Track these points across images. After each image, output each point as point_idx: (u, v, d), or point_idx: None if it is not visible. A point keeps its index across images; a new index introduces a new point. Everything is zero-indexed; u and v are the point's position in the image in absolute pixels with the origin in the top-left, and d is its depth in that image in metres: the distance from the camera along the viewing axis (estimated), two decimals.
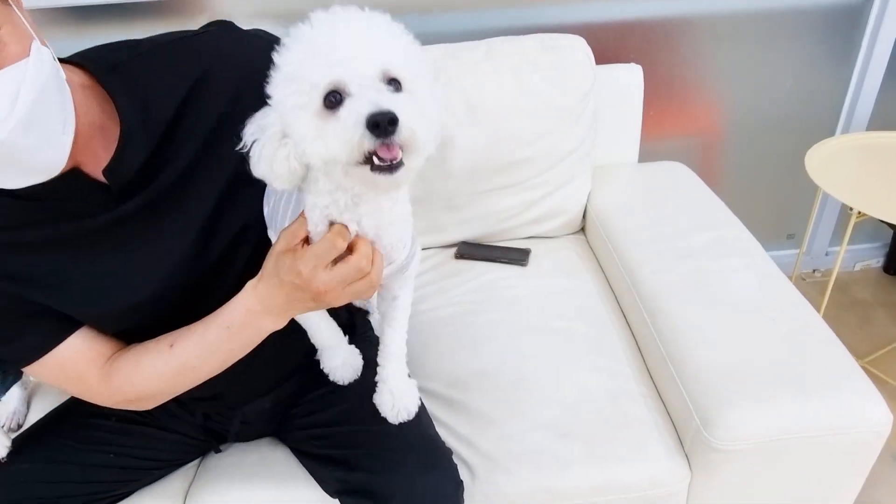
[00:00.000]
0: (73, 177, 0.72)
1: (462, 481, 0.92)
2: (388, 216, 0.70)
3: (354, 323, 1.09)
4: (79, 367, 0.81)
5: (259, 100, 0.63)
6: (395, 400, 0.85)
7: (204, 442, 1.08)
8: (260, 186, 0.80)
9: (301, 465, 1.04)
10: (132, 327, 0.83)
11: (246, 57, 0.79)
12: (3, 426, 0.97)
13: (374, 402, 0.85)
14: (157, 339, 0.82)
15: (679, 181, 1.55)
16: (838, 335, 1.06)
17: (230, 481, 1.05)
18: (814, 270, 2.12)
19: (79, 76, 0.72)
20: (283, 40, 0.60)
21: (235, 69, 0.78)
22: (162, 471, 1.05)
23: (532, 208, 1.47)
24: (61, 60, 0.71)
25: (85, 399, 0.85)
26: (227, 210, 0.80)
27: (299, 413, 1.05)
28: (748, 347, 1.05)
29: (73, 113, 0.67)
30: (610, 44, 1.62)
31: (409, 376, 0.88)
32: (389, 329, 0.86)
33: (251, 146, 0.63)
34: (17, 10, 0.63)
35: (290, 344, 0.91)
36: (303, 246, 0.69)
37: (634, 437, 1.04)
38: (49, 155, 0.66)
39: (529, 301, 1.31)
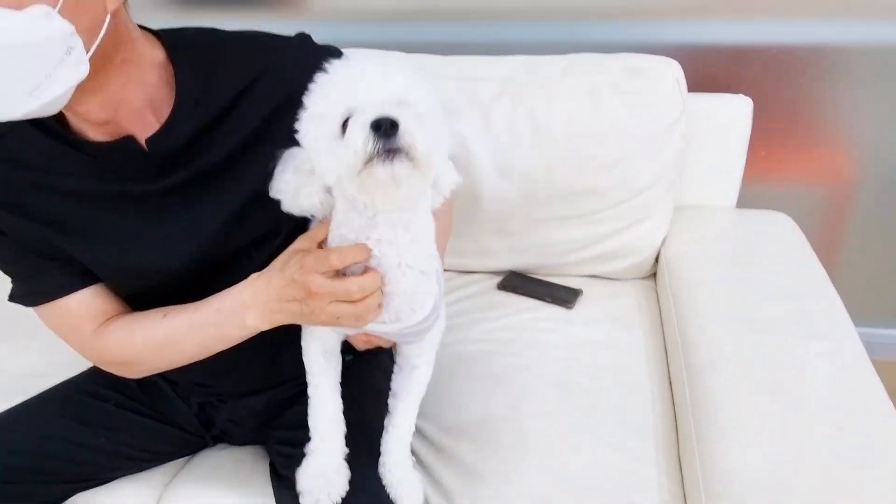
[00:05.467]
0: (126, 143, 0.76)
1: None
2: (407, 249, 0.73)
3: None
4: (79, 320, 0.85)
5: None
6: (393, 492, 0.84)
7: (196, 437, 1.07)
8: None
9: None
10: (140, 293, 0.87)
11: (302, 69, 0.78)
12: None
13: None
14: (154, 309, 0.85)
15: (777, 235, 1.34)
16: None
17: (206, 484, 1.03)
18: None
19: (156, 51, 0.77)
20: (310, 86, 0.68)
21: (289, 76, 0.79)
22: (150, 462, 1.05)
23: (595, 245, 1.33)
24: (150, 31, 0.78)
25: (75, 350, 0.90)
26: (256, 208, 0.82)
27: (278, 425, 1.01)
28: (795, 458, 0.85)
29: (64, 88, 0.66)
30: (721, 71, 1.43)
31: (415, 466, 0.87)
32: (402, 404, 0.87)
33: (277, 178, 0.71)
34: None
35: (290, 348, 0.92)
36: None
37: None
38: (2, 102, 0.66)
39: (563, 350, 1.17)
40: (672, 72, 1.24)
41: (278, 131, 0.79)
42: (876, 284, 1.60)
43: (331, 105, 0.66)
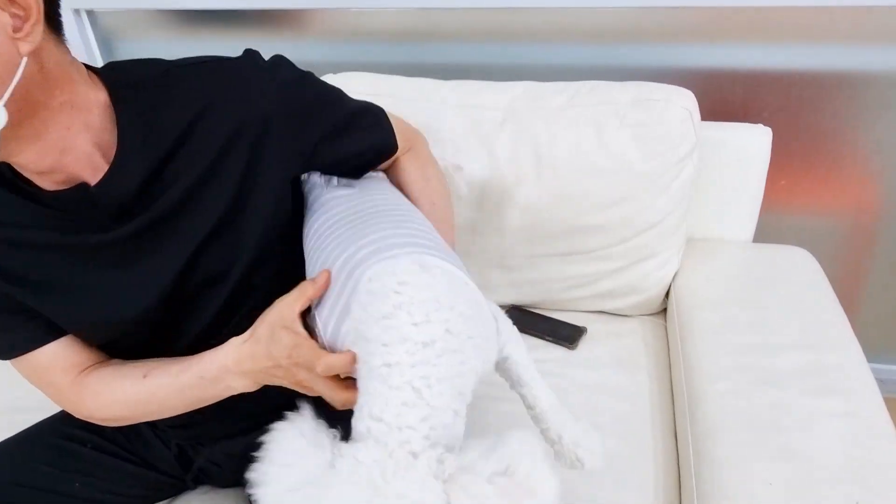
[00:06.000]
0: (79, 191, 0.72)
1: None
2: None
3: None
4: (53, 374, 0.82)
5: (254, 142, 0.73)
6: (577, 449, 0.75)
7: (175, 480, 1.03)
8: (247, 230, 0.79)
9: None
10: (112, 341, 0.83)
11: (248, 90, 0.77)
12: None
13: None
14: (132, 364, 0.82)
15: (796, 274, 1.26)
16: None
17: None
18: None
19: (100, 93, 0.72)
20: None
21: (237, 103, 0.76)
22: None
23: (598, 282, 1.27)
24: (94, 70, 0.72)
25: (55, 403, 0.86)
26: (212, 245, 0.78)
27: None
28: None
29: None
30: (738, 98, 1.36)
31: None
32: (524, 389, 0.77)
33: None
34: None
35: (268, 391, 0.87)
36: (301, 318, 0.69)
37: None
38: None
39: (562, 396, 1.11)
40: (684, 103, 1.17)
41: (232, 163, 0.76)
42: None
43: None
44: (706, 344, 1.11)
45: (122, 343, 0.82)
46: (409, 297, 0.60)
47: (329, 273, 0.70)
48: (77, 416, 0.86)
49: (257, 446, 0.97)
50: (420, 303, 0.60)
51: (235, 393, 0.78)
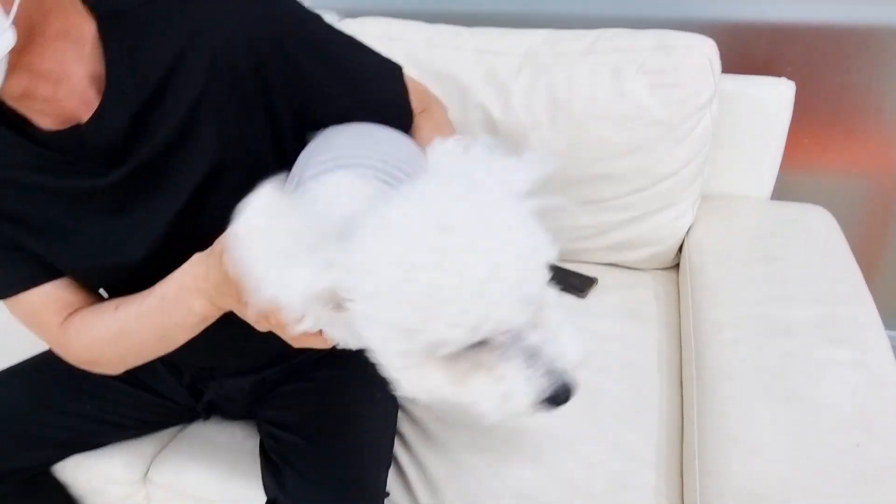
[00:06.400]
0: (74, 132, 0.70)
1: None
2: None
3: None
4: (44, 314, 0.80)
5: (233, 81, 0.69)
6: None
7: (186, 409, 1.05)
8: (243, 175, 0.73)
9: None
10: (113, 286, 0.82)
11: (231, 18, 0.71)
12: None
13: None
14: (109, 300, 0.80)
15: (813, 232, 1.24)
16: None
17: (194, 458, 1.03)
18: None
19: (91, 24, 0.69)
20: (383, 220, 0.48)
21: (225, 32, 0.70)
22: (137, 430, 1.05)
23: (610, 233, 1.26)
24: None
25: (50, 346, 0.86)
26: (213, 188, 0.74)
27: (270, 405, 0.99)
28: (802, 474, 0.79)
29: None
30: (762, 51, 1.33)
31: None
32: None
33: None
34: None
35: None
36: None
37: None
38: None
39: None
40: (705, 50, 1.14)
41: (220, 100, 0.71)
42: None
43: (440, 321, 0.45)
44: (717, 295, 1.10)
45: (125, 288, 0.80)
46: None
47: None
48: (69, 361, 0.83)
49: (268, 383, 0.98)
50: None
51: (198, 317, 0.71)
